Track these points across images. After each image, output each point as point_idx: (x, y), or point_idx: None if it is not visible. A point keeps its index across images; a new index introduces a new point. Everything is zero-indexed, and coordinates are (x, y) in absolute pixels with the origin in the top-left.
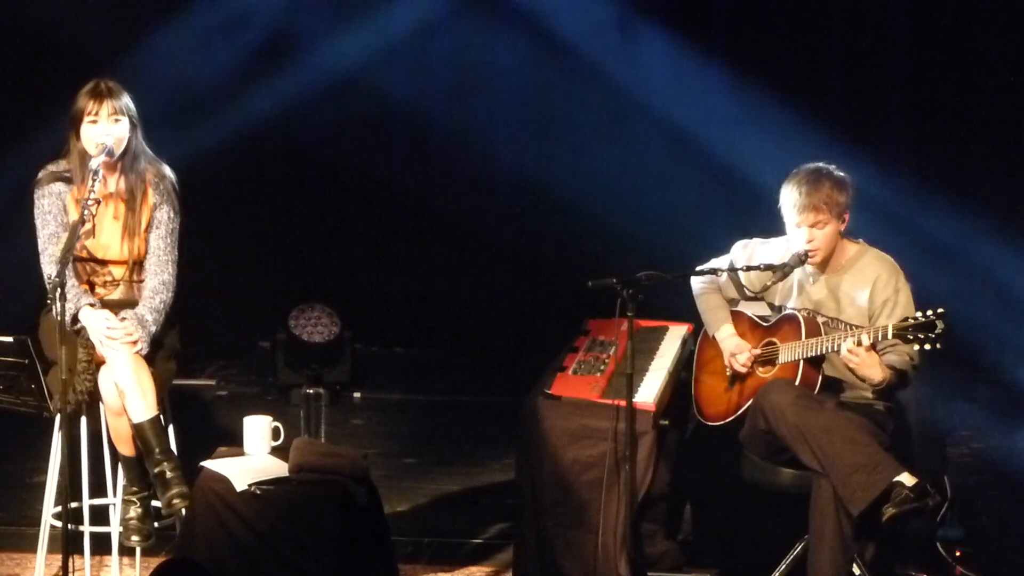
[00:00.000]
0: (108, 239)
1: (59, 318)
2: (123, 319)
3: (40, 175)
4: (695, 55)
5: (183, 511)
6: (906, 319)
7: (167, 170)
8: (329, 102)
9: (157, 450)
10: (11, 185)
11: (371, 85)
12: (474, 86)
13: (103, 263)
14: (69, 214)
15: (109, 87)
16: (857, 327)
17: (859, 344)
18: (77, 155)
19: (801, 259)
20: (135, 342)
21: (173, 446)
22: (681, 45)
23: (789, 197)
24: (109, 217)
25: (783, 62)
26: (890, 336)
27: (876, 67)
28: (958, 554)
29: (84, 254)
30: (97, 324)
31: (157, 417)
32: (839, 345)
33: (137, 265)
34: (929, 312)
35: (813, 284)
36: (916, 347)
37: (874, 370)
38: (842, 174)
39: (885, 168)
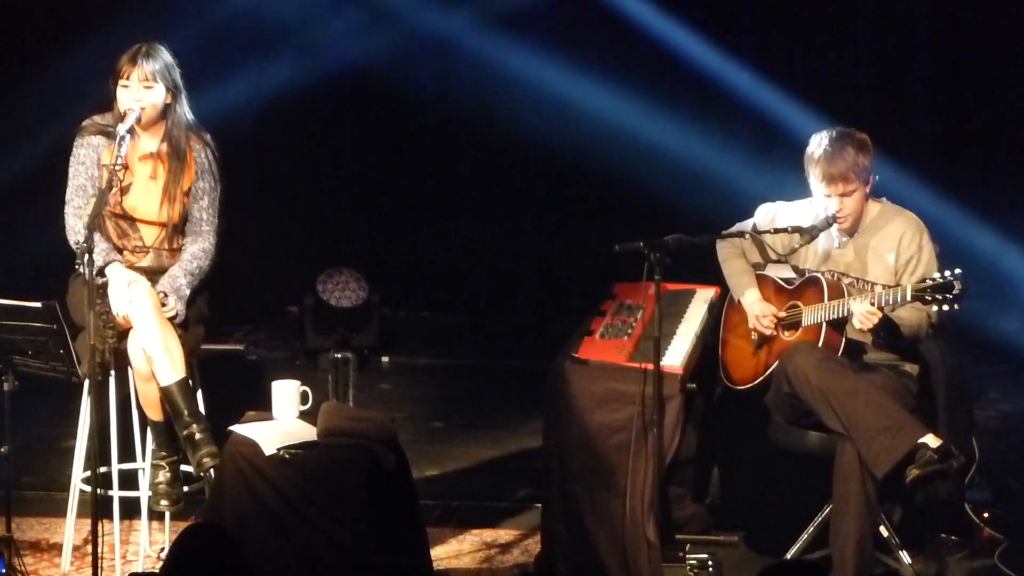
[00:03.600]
0: (140, 199)
1: (87, 283)
2: (161, 292)
3: (84, 123)
4: (722, 46)
5: (212, 472)
6: (924, 280)
7: (208, 138)
8: (358, 48)
9: (186, 412)
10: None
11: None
12: (500, 55)
13: (133, 223)
14: (102, 169)
15: (147, 51)
16: (884, 287)
17: (870, 313)
18: (117, 113)
19: (829, 221)
20: (173, 315)
21: (202, 410)
22: (707, 44)
23: (815, 168)
24: (146, 177)
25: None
26: (909, 297)
27: (902, 70)
28: (986, 516)
29: (118, 210)
30: (120, 281)
31: (185, 380)
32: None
33: (170, 231)
34: (947, 273)
35: (839, 246)
36: (935, 308)
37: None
38: (862, 136)
39: (910, 170)
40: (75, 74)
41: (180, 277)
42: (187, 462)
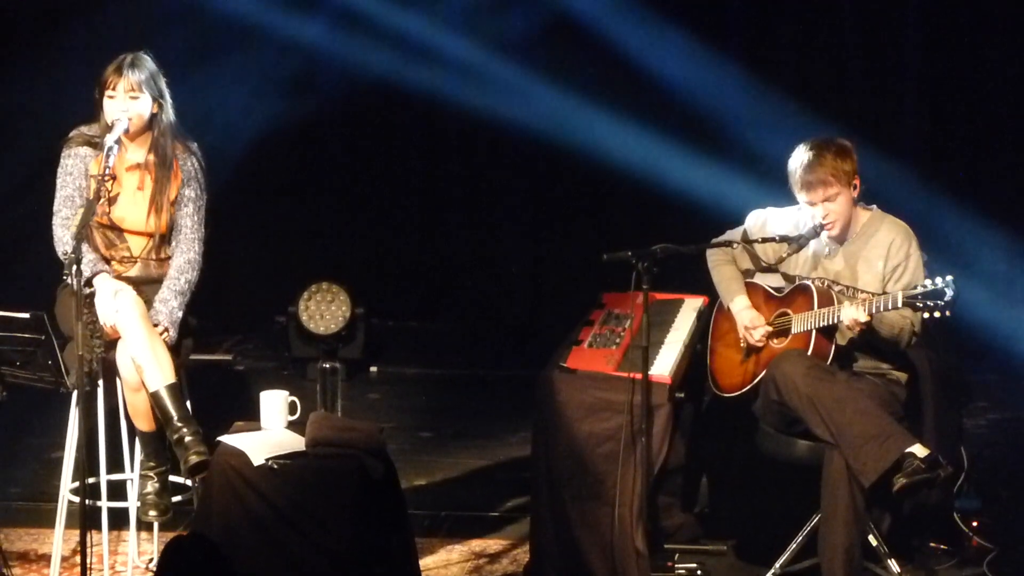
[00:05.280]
0: (127, 210)
1: (75, 293)
2: (161, 329)
3: (72, 134)
4: (711, 54)
5: (200, 480)
6: (915, 287)
7: (194, 147)
8: (343, 67)
9: (176, 416)
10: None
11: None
12: (489, 64)
13: (121, 234)
14: (89, 179)
15: (132, 61)
16: (873, 294)
17: (859, 321)
18: (103, 124)
19: (817, 231)
20: (165, 332)
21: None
22: (697, 43)
23: (796, 176)
24: (133, 188)
25: (798, 61)
26: (900, 304)
27: (892, 67)
28: (975, 525)
29: (105, 221)
30: (107, 291)
31: (175, 384)
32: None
33: (158, 241)
34: (938, 280)
35: (829, 254)
36: (926, 315)
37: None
38: (843, 141)
39: (900, 167)
40: (59, 80)
41: (172, 300)
42: (176, 472)
